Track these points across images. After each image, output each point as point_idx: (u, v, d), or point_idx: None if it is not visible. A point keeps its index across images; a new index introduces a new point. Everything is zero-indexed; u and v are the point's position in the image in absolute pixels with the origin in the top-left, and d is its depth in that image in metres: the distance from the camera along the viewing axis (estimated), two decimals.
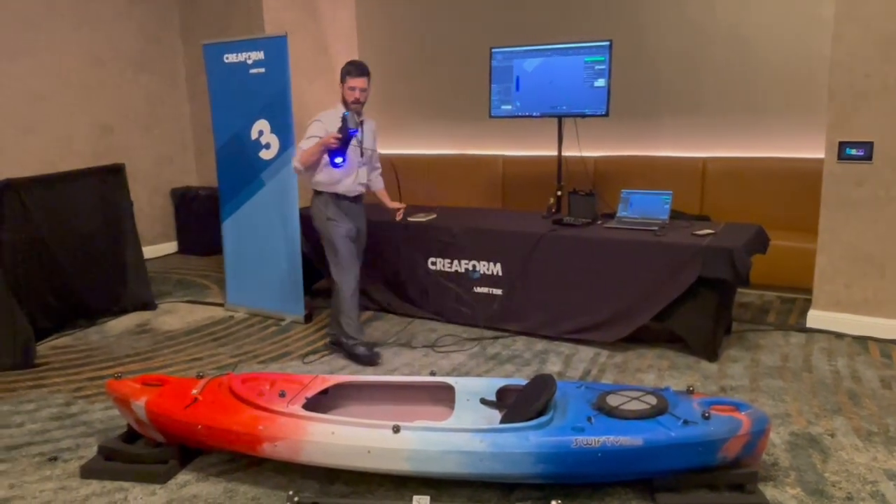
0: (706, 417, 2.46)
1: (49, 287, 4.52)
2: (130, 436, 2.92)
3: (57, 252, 4.55)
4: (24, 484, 2.74)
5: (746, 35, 5.27)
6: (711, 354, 3.82)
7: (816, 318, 4.27)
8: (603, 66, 4.67)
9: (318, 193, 3.93)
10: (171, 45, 6.96)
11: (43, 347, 4.26)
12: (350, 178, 3.89)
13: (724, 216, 4.93)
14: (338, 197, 3.91)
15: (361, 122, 3.84)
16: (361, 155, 3.92)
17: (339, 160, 3.65)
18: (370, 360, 3.93)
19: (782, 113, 5.23)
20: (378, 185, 4.28)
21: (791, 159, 5.16)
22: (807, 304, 4.42)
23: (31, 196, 4.40)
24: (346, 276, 3.94)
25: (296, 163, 3.77)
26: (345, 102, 3.80)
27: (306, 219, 4.81)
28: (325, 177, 3.87)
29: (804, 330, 4.25)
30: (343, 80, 3.79)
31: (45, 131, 5.96)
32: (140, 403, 2.75)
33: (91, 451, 2.94)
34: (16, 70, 5.72)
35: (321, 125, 3.75)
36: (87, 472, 2.78)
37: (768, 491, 2.53)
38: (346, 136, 3.56)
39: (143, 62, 6.70)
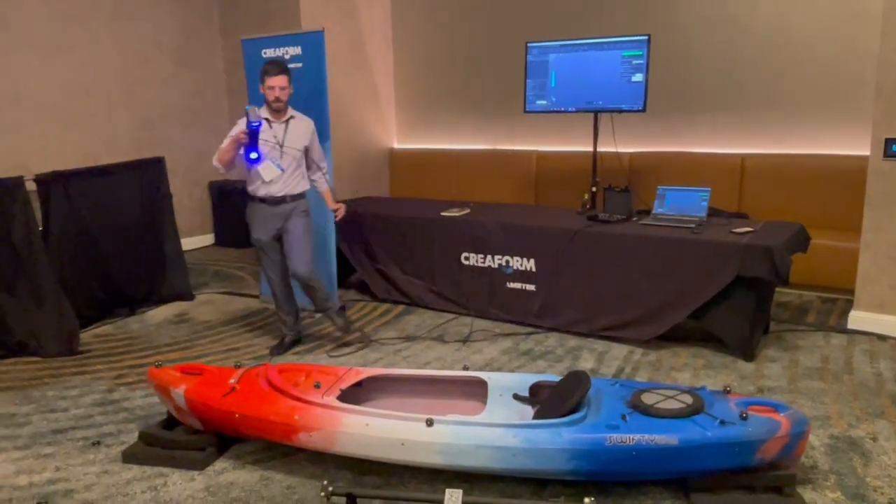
0: (744, 418, 2.42)
1: (93, 277, 4.65)
2: (170, 422, 2.99)
3: (100, 243, 4.67)
4: (69, 467, 2.82)
5: (789, 29, 5.15)
6: (748, 354, 3.76)
7: (858, 319, 4.16)
8: (641, 61, 4.61)
9: (246, 196, 3.99)
10: (210, 40, 7.07)
11: (86, 335, 4.39)
12: (274, 182, 3.84)
13: (762, 214, 4.84)
14: (258, 200, 3.89)
15: (288, 121, 3.84)
16: (281, 156, 3.84)
17: (253, 155, 3.65)
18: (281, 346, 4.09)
19: (824, 109, 5.11)
20: (322, 186, 4.20)
21: (833, 156, 5.04)
22: (848, 305, 4.32)
23: (76, 188, 4.52)
24: (268, 275, 4.05)
25: (214, 160, 3.79)
26: (267, 102, 3.79)
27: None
28: (249, 181, 3.90)
29: (845, 331, 4.16)
30: (262, 80, 3.75)
31: (88, 125, 6.12)
32: (179, 391, 2.81)
33: (132, 437, 3.02)
34: (60, 65, 5.88)
35: (239, 125, 3.74)
36: (129, 456, 2.86)
37: (807, 494, 2.49)
38: (250, 130, 3.57)
39: (183, 57, 6.83)
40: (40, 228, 4.20)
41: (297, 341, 4.19)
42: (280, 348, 4.09)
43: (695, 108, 5.65)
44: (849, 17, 4.91)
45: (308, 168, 4.04)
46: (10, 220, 4.01)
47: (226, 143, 3.73)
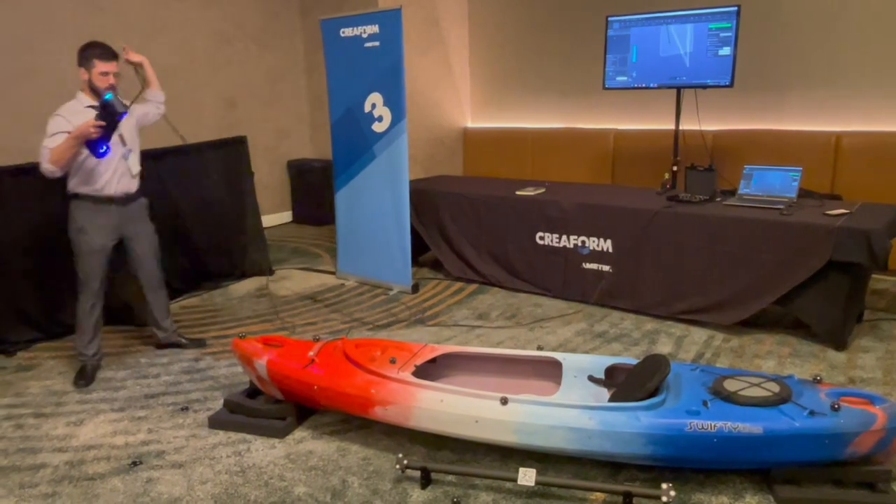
0: (835, 409, 2.30)
1: (181, 251, 4.87)
2: (253, 392, 3.11)
3: (188, 219, 4.89)
4: (160, 429, 2.99)
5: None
6: (840, 343, 3.57)
7: None
8: (729, 34, 4.39)
9: (73, 197, 3.38)
10: (290, 21, 7.21)
11: (174, 307, 4.59)
12: (113, 175, 3.39)
13: (858, 196, 4.55)
14: (98, 201, 3.38)
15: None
16: (124, 144, 3.42)
17: (103, 150, 3.24)
18: (82, 380, 3.48)
19: None
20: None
21: None
22: None
23: (165, 166, 4.73)
24: (84, 292, 3.46)
25: (46, 164, 3.13)
26: (94, 90, 3.27)
27: (416, 192, 4.92)
28: (82, 177, 3.33)
29: None
30: (89, 65, 3.27)
31: (175, 105, 6.31)
32: (262, 362, 2.92)
33: (217, 404, 3.16)
34: (152, 48, 6.11)
35: (63, 120, 3.18)
36: (215, 422, 3.00)
37: None
38: (111, 121, 3.12)
39: (265, 39, 7.00)
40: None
41: (100, 366, 3.63)
42: (85, 378, 3.49)
43: (786, 84, 5.34)
44: None
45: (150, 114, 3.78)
46: None
47: (63, 140, 3.12)
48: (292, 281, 5.23)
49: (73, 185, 3.36)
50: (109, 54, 3.30)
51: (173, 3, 6.24)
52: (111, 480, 2.62)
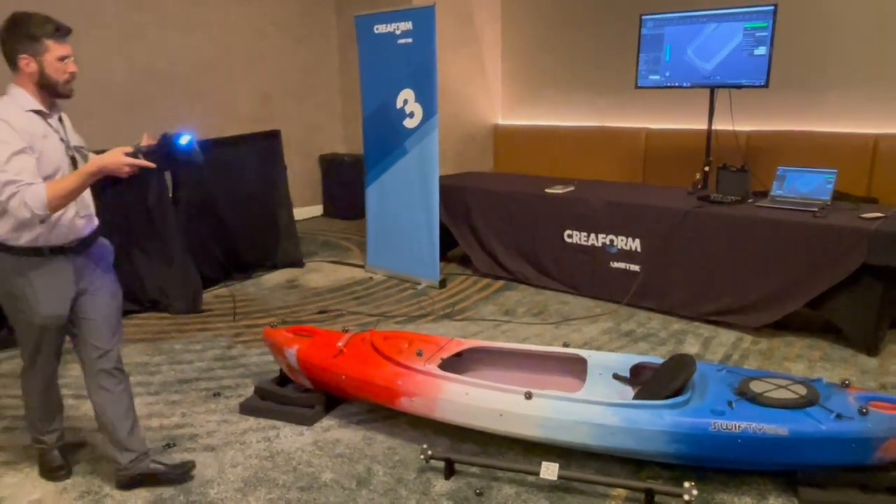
0: (863, 413, 2.28)
1: (214, 241, 4.98)
2: (282, 380, 3.18)
3: (222, 210, 5.00)
4: (193, 414, 3.08)
5: None
6: (872, 348, 3.52)
7: None
8: (765, 33, 4.34)
9: (1, 249, 2.25)
10: (325, 17, 7.30)
11: (207, 296, 4.72)
12: (64, 213, 2.25)
13: None
14: (43, 254, 2.26)
15: (60, 118, 2.34)
16: (75, 165, 2.31)
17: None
18: (61, 470, 2.62)
19: None
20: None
21: None
22: None
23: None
24: (31, 374, 2.49)
25: (37, 208, 2.07)
26: (50, 87, 2.21)
27: (446, 188, 4.95)
28: (16, 223, 2.19)
29: None
30: (38, 48, 2.17)
31: (212, 98, 6.50)
32: (292, 351, 2.99)
33: (248, 391, 3.25)
34: (191, 42, 6.27)
35: (11, 130, 2.11)
36: (246, 408, 3.08)
37: None
38: (168, 167, 2.41)
39: (300, 34, 7.10)
40: (170, 195, 4.54)
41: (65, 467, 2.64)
42: (58, 468, 2.62)
43: (823, 84, 5.25)
44: None
45: None
46: (146, 186, 4.35)
47: (73, 177, 2.16)
48: (321, 273, 5.31)
49: (1, 230, 2.21)
50: (66, 31, 2.23)
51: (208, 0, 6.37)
52: None
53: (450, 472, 2.55)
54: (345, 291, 4.87)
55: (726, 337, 3.83)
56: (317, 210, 7.61)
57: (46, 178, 2.15)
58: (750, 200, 4.11)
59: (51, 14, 2.23)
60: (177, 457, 2.71)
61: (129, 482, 2.52)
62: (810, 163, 4.42)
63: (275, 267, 5.42)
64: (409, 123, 4.81)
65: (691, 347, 3.70)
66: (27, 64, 2.18)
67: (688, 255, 4.06)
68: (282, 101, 7.03)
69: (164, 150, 2.24)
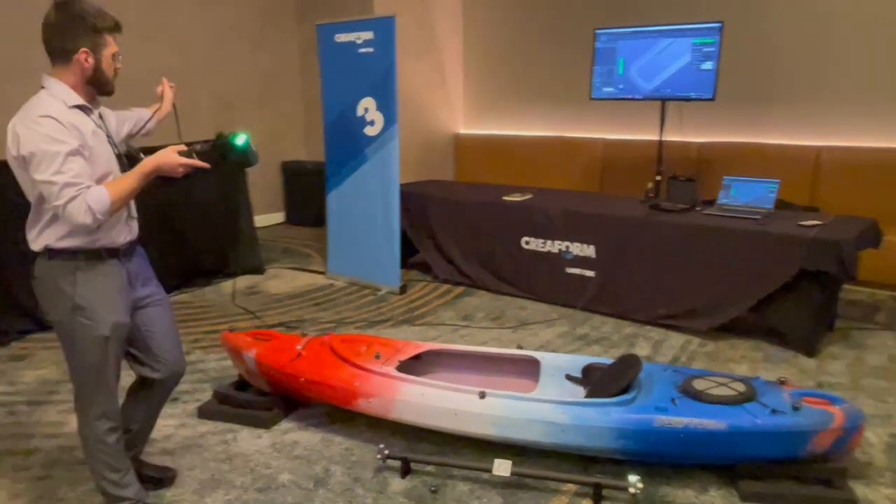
0: (796, 408, 2.42)
1: (174, 248, 4.95)
2: (241, 384, 3.20)
3: (181, 216, 4.97)
4: None
5: (872, 17, 4.94)
6: (810, 350, 3.70)
7: None
8: (712, 49, 4.53)
9: (50, 256, 2.09)
10: (285, 25, 7.32)
11: (173, 299, 4.68)
12: (123, 210, 2.15)
13: (837, 209, 4.69)
14: (100, 256, 2.13)
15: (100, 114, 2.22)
16: (129, 161, 2.26)
17: None
18: None
19: None
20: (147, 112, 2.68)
21: None
22: None
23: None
24: (90, 410, 2.18)
25: (100, 212, 1.95)
26: (97, 83, 2.10)
27: (407, 195, 5.02)
28: (68, 229, 2.05)
29: None
30: (99, 42, 2.06)
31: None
32: (251, 355, 3.01)
33: (207, 395, 3.25)
34: (153, 48, 6.22)
35: (62, 128, 1.95)
36: (204, 412, 3.09)
37: (860, 489, 2.47)
38: (233, 153, 2.27)
39: (259, 41, 7.11)
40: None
41: None
42: None
43: (769, 98, 5.50)
44: None
45: (135, 131, 2.59)
46: None
47: (128, 177, 2.08)
48: (282, 280, 5.32)
49: (51, 236, 2.06)
50: (120, 27, 2.15)
51: (172, 4, 6.34)
52: None
53: (406, 471, 2.60)
54: (305, 298, 4.89)
55: (676, 340, 3.98)
56: (278, 217, 7.59)
57: (100, 180, 2.05)
58: (698, 209, 4.28)
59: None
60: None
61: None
62: (757, 173, 4.62)
63: (234, 273, 5.41)
64: (369, 131, 4.87)
65: (642, 350, 3.84)
66: (86, 58, 2.04)
67: (640, 262, 4.20)
68: (242, 108, 7.02)
69: (220, 150, 2.14)
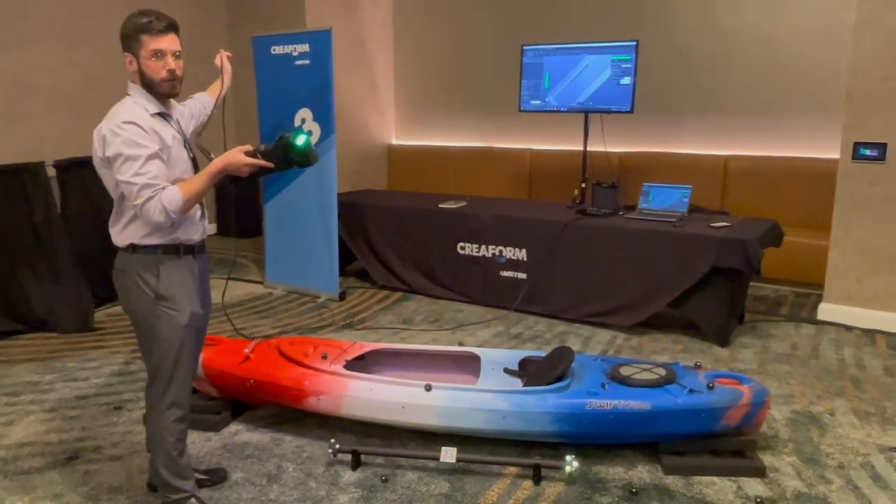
0: (710, 388, 2.70)
1: (106, 259, 4.85)
2: None
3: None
4: (95, 427, 3.07)
5: (772, 38, 5.45)
6: (723, 340, 4.04)
7: (827, 311, 4.45)
8: (629, 65, 4.88)
9: (134, 250, 2.21)
10: (216, 35, 7.29)
11: (100, 314, 4.62)
12: (196, 209, 2.31)
13: (744, 212, 5.12)
14: (178, 252, 2.25)
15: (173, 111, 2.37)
16: (195, 165, 2.35)
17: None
18: None
19: (803, 114, 5.41)
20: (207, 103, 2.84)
21: (810, 159, 5.34)
22: (819, 299, 4.60)
23: (91, 175, 4.72)
24: (178, 393, 2.31)
25: (173, 211, 2.08)
26: (147, 85, 2.22)
27: (343, 204, 5.13)
28: (148, 227, 2.19)
29: (815, 322, 4.44)
30: (136, 44, 2.20)
31: (101, 115, 6.25)
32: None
33: None
34: (78, 57, 6.10)
35: (143, 133, 2.11)
36: None
37: (766, 458, 2.77)
38: (282, 168, 2.29)
39: (189, 51, 6.97)
40: (59, 211, 4.43)
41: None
42: None
43: (682, 111, 5.94)
44: (826, 27, 5.21)
45: (201, 126, 2.75)
46: (32, 202, 4.25)
47: (201, 177, 2.18)
48: (219, 290, 5.28)
49: (135, 234, 2.19)
50: (163, 24, 2.17)
51: (97, 13, 6.23)
52: (48, 473, 2.70)
53: (356, 463, 2.72)
54: (245, 307, 4.91)
55: (603, 335, 4.25)
56: (211, 228, 7.51)
57: (176, 181, 2.16)
58: (620, 213, 4.59)
59: None
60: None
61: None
62: (673, 180, 5.00)
63: None
64: None
65: (573, 346, 4.07)
66: (130, 62, 2.21)
67: (568, 263, 4.47)
68: None
69: (282, 151, 2.27)
